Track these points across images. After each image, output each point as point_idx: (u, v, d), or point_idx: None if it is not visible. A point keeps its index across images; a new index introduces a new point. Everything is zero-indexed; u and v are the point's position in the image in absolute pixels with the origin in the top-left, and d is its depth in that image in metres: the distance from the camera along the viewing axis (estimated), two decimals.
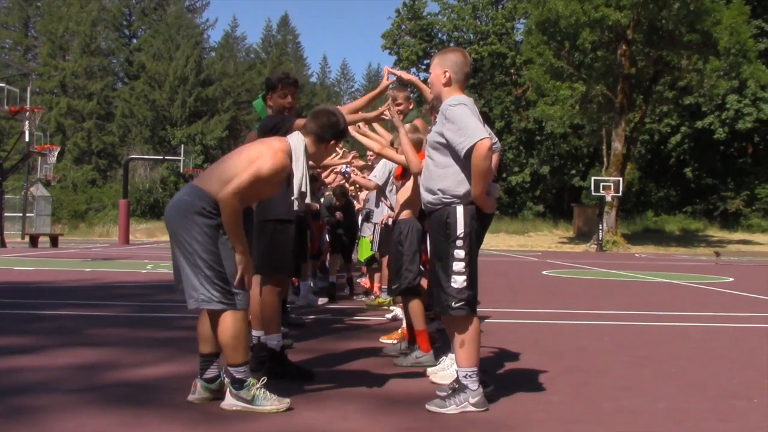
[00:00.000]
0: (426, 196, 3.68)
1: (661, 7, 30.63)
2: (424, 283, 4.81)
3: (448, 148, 3.56)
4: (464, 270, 3.51)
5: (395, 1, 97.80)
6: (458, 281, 3.50)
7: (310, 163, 3.85)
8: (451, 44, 49.87)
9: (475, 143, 3.40)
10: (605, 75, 33.89)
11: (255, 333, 4.59)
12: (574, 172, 48.19)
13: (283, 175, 3.51)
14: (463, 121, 3.49)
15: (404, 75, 4.92)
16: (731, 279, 14.25)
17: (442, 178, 3.57)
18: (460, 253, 3.50)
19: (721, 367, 4.90)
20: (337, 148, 5.97)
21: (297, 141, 3.60)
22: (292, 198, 3.66)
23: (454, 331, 3.58)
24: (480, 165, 3.41)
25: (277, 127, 4.40)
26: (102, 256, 19.17)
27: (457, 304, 3.49)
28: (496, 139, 3.81)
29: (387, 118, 4.59)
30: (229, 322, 3.38)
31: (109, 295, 9.17)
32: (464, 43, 49.20)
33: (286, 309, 6.71)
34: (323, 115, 3.70)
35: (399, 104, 5.12)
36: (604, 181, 32.29)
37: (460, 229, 3.51)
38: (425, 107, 5.13)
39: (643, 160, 46.22)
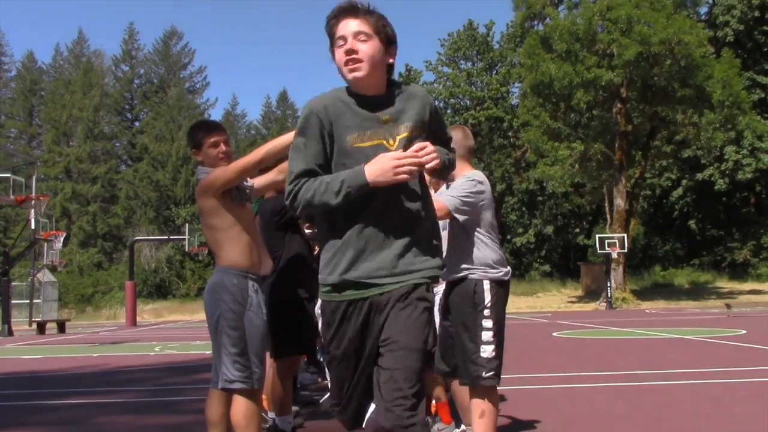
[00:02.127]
0: (448, 270, 3.68)
1: (653, 65, 31.18)
2: None
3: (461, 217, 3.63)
4: (493, 339, 3.53)
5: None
6: (488, 351, 3.50)
7: None
8: (448, 110, 50.64)
9: (444, 205, 3.52)
10: (602, 133, 34.25)
11: (269, 415, 4.54)
12: (578, 230, 48.21)
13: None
14: (460, 189, 3.59)
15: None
16: (744, 331, 14.08)
17: (463, 249, 3.61)
18: (488, 323, 3.52)
19: (740, 426, 4.81)
20: None
21: (199, 171, 3.70)
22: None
23: (475, 401, 3.55)
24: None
25: (285, 211, 4.40)
26: (109, 339, 19.06)
27: (488, 374, 3.48)
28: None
29: None
30: (242, 401, 3.36)
31: (116, 380, 9.09)
32: (461, 109, 49.92)
33: (296, 387, 6.65)
34: (187, 134, 3.93)
35: None
36: (608, 238, 32.27)
37: (487, 299, 3.54)
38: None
39: (647, 214, 46.27)
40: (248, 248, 3.52)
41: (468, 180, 3.64)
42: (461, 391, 3.96)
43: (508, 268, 3.69)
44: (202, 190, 3.52)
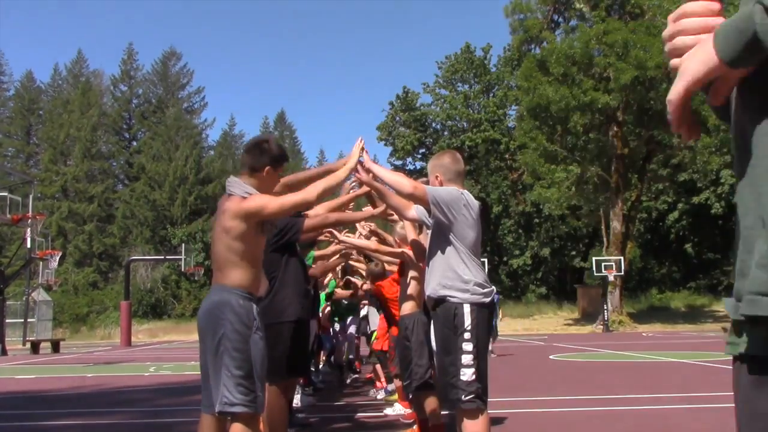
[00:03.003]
0: (430, 290, 3.67)
1: (649, 89, 31.37)
2: None
3: (442, 234, 3.61)
4: (473, 362, 3.49)
5: (388, 94, 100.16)
6: (467, 374, 3.47)
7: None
8: (445, 133, 50.86)
9: (424, 188, 3.56)
10: (599, 156, 34.37)
11: None
12: (574, 253, 48.21)
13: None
14: (445, 190, 3.64)
15: (366, 170, 3.94)
16: None
17: (444, 271, 3.59)
18: (468, 346, 3.49)
19: None
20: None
21: (236, 186, 3.51)
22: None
23: (462, 425, 3.51)
24: (394, 180, 3.64)
25: (287, 230, 4.40)
26: (104, 359, 18.95)
27: (467, 397, 3.44)
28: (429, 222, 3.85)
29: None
30: (241, 427, 3.28)
31: (111, 401, 9.02)
32: (458, 131, 50.08)
33: (291, 409, 6.61)
34: (249, 144, 3.73)
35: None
36: (605, 260, 32.28)
37: (467, 322, 3.51)
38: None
39: (643, 238, 46.31)
40: (256, 274, 3.50)
41: (453, 189, 3.67)
42: None
43: (492, 288, 3.66)
44: (244, 213, 3.38)
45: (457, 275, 3.55)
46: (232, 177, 3.59)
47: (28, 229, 26.73)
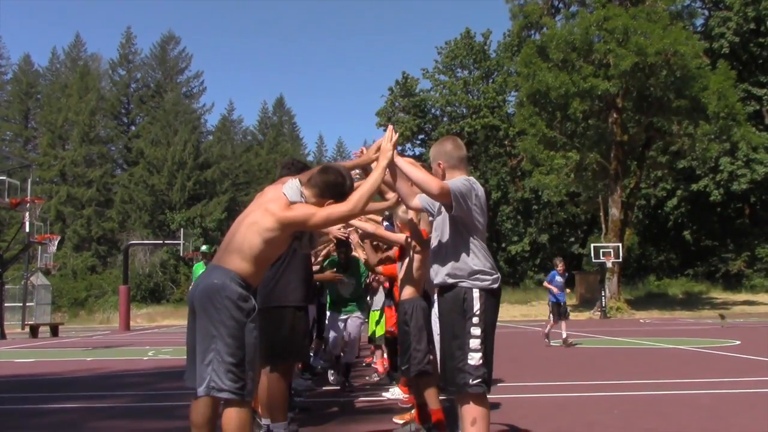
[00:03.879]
0: (440, 278, 3.67)
1: (649, 76, 31.29)
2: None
3: (453, 223, 3.62)
4: (480, 347, 3.50)
5: (388, 80, 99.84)
6: (475, 358, 3.47)
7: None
8: (444, 119, 50.79)
9: (441, 183, 3.54)
10: (598, 143, 34.32)
11: (263, 421, 4.52)
12: (573, 239, 48.27)
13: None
14: (460, 182, 3.60)
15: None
16: (738, 342, 14.10)
17: (454, 259, 3.60)
18: (476, 330, 3.50)
19: None
20: None
21: (292, 191, 3.56)
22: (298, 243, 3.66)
23: (465, 409, 3.51)
24: (422, 177, 3.57)
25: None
26: (103, 344, 18.99)
27: (475, 381, 3.45)
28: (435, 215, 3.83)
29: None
30: (234, 412, 3.29)
31: (110, 385, 9.05)
32: (457, 117, 50.01)
33: (291, 393, 6.62)
34: (331, 173, 3.69)
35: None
36: (603, 247, 32.32)
37: (476, 307, 3.52)
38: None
39: (641, 225, 46.34)
40: (264, 269, 3.55)
41: (463, 179, 3.65)
42: None
43: (498, 275, 3.66)
44: (287, 221, 3.42)
45: (466, 263, 3.57)
46: (294, 180, 3.62)
47: (27, 213, 26.71)
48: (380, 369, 8.63)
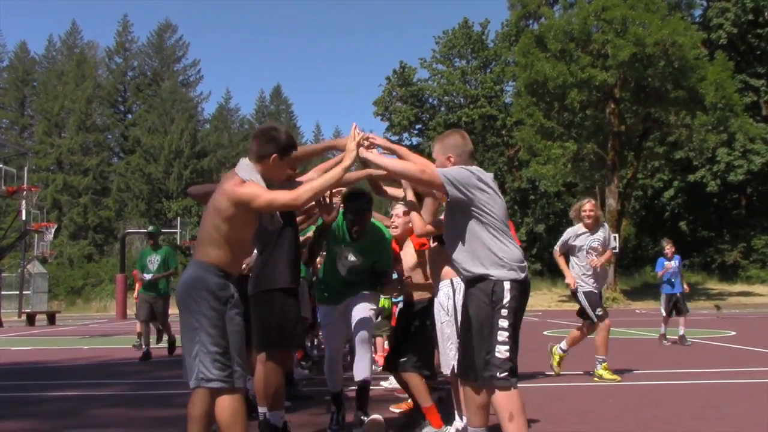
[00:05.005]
0: (467, 270, 3.58)
1: (647, 66, 31.26)
2: None
3: (465, 212, 3.54)
4: (508, 340, 3.45)
5: (385, 69, 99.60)
6: (502, 351, 3.43)
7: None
8: (442, 108, 50.67)
9: (422, 166, 3.49)
10: (595, 133, 34.33)
11: (260, 410, 4.52)
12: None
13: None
14: (456, 170, 3.53)
15: (379, 141, 3.93)
16: (733, 333, 14.16)
17: (478, 249, 3.53)
18: (504, 323, 3.45)
19: (730, 427, 4.83)
20: None
21: (244, 170, 3.49)
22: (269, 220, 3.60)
23: (498, 403, 3.44)
24: (401, 167, 3.53)
25: None
26: (99, 332, 19.01)
27: (502, 375, 3.41)
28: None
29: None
30: (227, 401, 3.29)
31: (107, 373, 9.07)
32: (455, 107, 49.94)
33: (293, 381, 6.61)
34: (257, 131, 3.64)
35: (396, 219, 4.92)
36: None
37: (506, 299, 3.45)
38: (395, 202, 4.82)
39: (638, 215, 46.40)
40: (237, 255, 3.46)
41: (458, 167, 3.58)
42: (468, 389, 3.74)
43: (526, 264, 3.59)
44: (236, 198, 3.36)
45: (492, 252, 3.49)
46: (245, 159, 3.56)
47: (23, 202, 26.68)
48: (380, 362, 8.61)
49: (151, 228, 11.94)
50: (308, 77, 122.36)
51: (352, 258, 4.73)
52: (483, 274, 3.50)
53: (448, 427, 4.42)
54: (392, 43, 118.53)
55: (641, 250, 47.47)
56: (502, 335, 3.44)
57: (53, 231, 32.24)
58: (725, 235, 43.91)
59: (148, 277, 10.73)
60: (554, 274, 44.26)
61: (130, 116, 62.40)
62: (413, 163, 3.54)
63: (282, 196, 3.43)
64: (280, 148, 3.55)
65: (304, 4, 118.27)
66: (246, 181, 3.41)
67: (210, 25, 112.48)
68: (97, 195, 56.43)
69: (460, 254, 3.59)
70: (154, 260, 10.88)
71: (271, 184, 3.51)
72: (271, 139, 3.56)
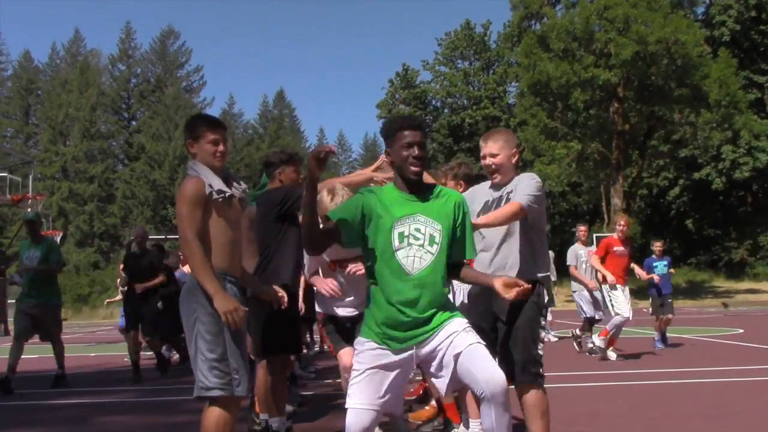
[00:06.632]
0: (525, 270, 3.56)
1: (650, 65, 31.21)
2: None
3: (535, 219, 3.63)
4: (542, 338, 3.58)
5: (388, 71, 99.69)
6: (540, 348, 3.54)
7: None
8: (445, 110, 50.64)
9: (519, 201, 3.49)
10: (599, 132, 34.27)
11: (261, 416, 4.51)
12: (575, 229, 48.13)
13: (203, 192, 3.32)
14: (529, 187, 3.59)
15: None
16: (741, 330, 14.12)
17: (534, 251, 3.60)
18: (543, 322, 3.57)
19: (738, 426, 4.81)
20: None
21: (193, 165, 3.48)
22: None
23: (532, 400, 3.47)
24: (502, 216, 3.49)
25: (287, 198, 4.36)
26: (106, 339, 19.03)
27: (541, 371, 3.50)
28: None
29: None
30: (216, 409, 3.22)
31: (115, 380, 9.08)
32: (458, 109, 49.93)
33: (295, 380, 6.56)
34: (184, 126, 3.62)
35: None
36: (606, 237, 32.27)
37: (546, 299, 3.61)
38: None
39: (644, 214, 46.29)
40: (227, 248, 3.39)
41: (532, 178, 3.64)
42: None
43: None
44: (178, 197, 3.33)
45: (543, 255, 3.62)
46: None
47: (29, 210, 26.73)
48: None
49: (30, 214, 9.62)
50: (311, 81, 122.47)
51: None
52: (540, 277, 3.59)
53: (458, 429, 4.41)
54: (394, 46, 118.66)
55: (647, 249, 47.33)
56: (541, 335, 3.56)
57: (59, 239, 32.30)
58: (731, 232, 43.76)
59: (19, 280, 8.76)
60: (560, 274, 44.18)
61: (134, 123, 62.51)
62: (510, 205, 3.52)
63: (186, 223, 3.31)
64: (205, 123, 3.50)
65: (306, 9, 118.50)
66: (190, 175, 3.41)
67: (212, 31, 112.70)
68: (102, 202, 56.53)
69: (517, 257, 3.59)
70: (32, 256, 8.59)
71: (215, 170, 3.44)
72: (192, 120, 3.56)
